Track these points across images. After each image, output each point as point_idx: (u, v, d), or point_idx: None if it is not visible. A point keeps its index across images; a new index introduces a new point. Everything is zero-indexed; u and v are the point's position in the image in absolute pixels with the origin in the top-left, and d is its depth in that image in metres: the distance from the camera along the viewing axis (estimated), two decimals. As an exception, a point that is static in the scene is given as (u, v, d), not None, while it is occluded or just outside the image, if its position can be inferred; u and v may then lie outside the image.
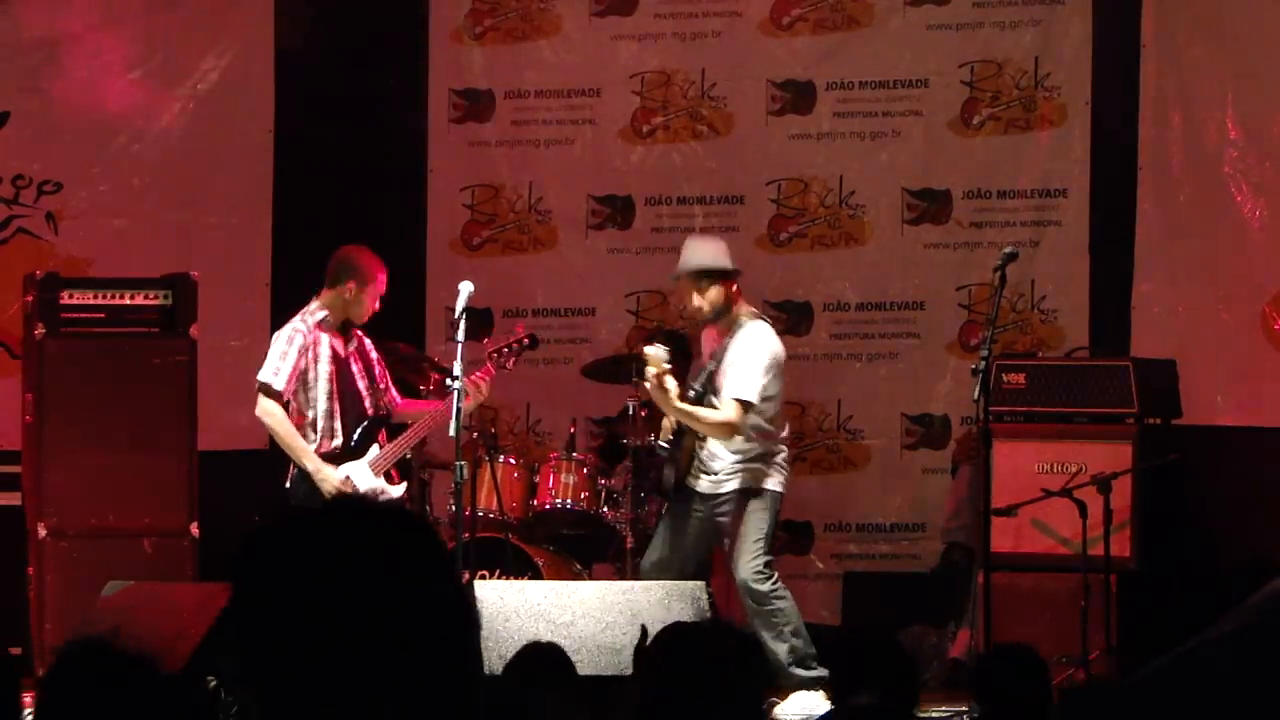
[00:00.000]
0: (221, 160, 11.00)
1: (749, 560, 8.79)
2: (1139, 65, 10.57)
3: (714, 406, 8.81)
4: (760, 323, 8.97)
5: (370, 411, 8.94)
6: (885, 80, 10.91)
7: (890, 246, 10.90)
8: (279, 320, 9.25)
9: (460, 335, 8.63)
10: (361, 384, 8.92)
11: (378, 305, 8.89)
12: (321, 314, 8.85)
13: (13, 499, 9.90)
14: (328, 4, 11.15)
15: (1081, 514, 9.05)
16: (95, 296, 9.76)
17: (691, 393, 8.83)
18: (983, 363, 8.20)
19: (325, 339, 8.82)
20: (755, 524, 8.81)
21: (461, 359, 8.52)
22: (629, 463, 9.62)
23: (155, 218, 10.95)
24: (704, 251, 9.02)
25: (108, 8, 10.86)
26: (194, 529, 9.57)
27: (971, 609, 9.44)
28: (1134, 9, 10.56)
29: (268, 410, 8.75)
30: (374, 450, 8.90)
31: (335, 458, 8.82)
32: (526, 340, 9.29)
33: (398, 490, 8.97)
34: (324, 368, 8.80)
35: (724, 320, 8.90)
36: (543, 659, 5.60)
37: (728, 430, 8.75)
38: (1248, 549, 9.24)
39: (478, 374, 8.93)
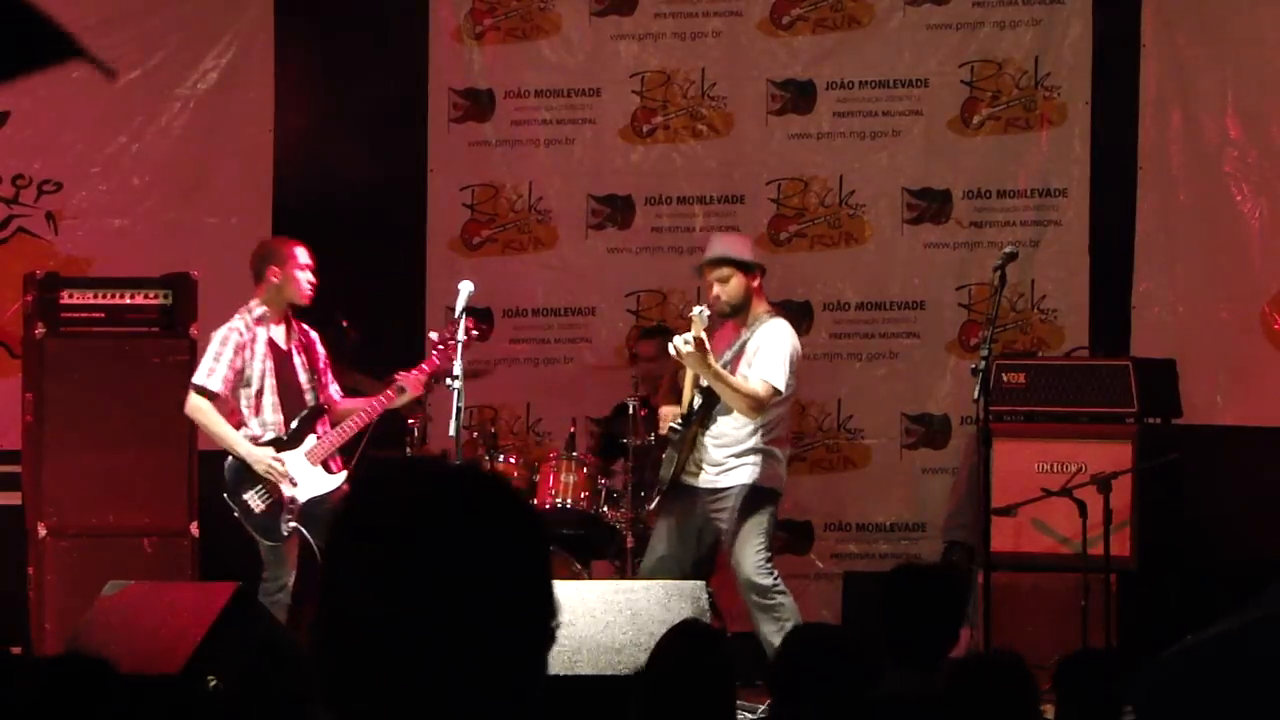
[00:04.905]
0: (221, 160, 11.00)
1: (752, 555, 8.80)
2: (1139, 65, 10.57)
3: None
4: (784, 321, 9.03)
5: (310, 403, 9.02)
6: (885, 80, 10.91)
7: (890, 246, 10.90)
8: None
9: (460, 334, 8.65)
10: (303, 376, 9.04)
11: (311, 280, 8.98)
12: (260, 309, 8.98)
13: (13, 499, 9.90)
14: (328, 4, 11.16)
15: (1081, 514, 9.05)
16: (95, 296, 9.77)
17: (703, 383, 8.86)
18: (983, 362, 8.21)
19: (263, 334, 8.95)
20: (756, 520, 8.83)
21: (461, 359, 8.54)
22: (628, 462, 9.62)
23: (155, 218, 10.95)
24: (726, 243, 9.16)
25: (107, 7, 10.86)
26: (194, 529, 9.58)
27: (971, 608, 9.45)
28: (1134, 9, 10.56)
29: (196, 406, 8.93)
30: (310, 439, 8.99)
31: (273, 447, 8.92)
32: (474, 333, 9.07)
33: (336, 479, 9.01)
34: (262, 363, 8.94)
35: (742, 315, 8.95)
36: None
37: (754, 403, 8.76)
38: (1248, 549, 9.25)
39: (417, 369, 9.00)
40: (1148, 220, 10.54)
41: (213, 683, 6.76)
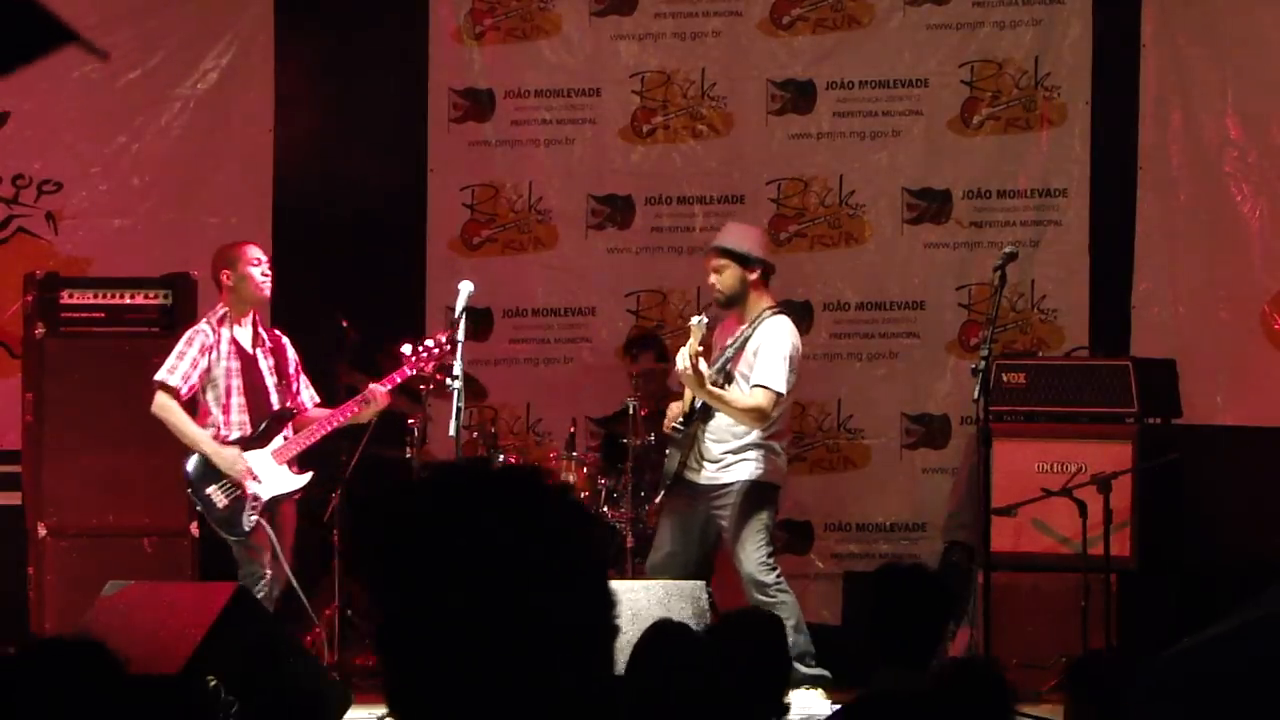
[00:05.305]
0: (221, 160, 11.00)
1: (753, 551, 8.81)
2: (1139, 65, 10.57)
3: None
4: (785, 317, 9.03)
5: (277, 405, 9.03)
6: (885, 80, 10.91)
7: (890, 246, 10.90)
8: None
9: (460, 335, 8.64)
10: (270, 380, 9.06)
11: (265, 273, 9.00)
12: (222, 310, 9.03)
13: (13, 499, 9.91)
14: (328, 4, 11.16)
15: (1081, 514, 9.05)
16: (95, 296, 9.78)
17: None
18: (983, 362, 8.22)
19: (227, 334, 8.99)
20: (757, 516, 8.84)
21: (461, 359, 8.54)
22: (629, 462, 9.62)
23: (155, 218, 10.96)
24: (731, 234, 9.16)
25: (107, 8, 10.86)
26: (194, 529, 9.58)
27: (971, 608, 9.45)
28: (1134, 9, 10.56)
29: (162, 404, 8.94)
30: (278, 440, 9.01)
31: (240, 445, 8.92)
32: (447, 344, 9.03)
33: (300, 480, 9.04)
34: (228, 363, 8.97)
35: (740, 309, 8.95)
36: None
37: (757, 416, 8.78)
38: (1248, 549, 9.25)
39: (386, 380, 8.97)
40: (1148, 220, 10.54)
41: (213, 683, 6.76)
